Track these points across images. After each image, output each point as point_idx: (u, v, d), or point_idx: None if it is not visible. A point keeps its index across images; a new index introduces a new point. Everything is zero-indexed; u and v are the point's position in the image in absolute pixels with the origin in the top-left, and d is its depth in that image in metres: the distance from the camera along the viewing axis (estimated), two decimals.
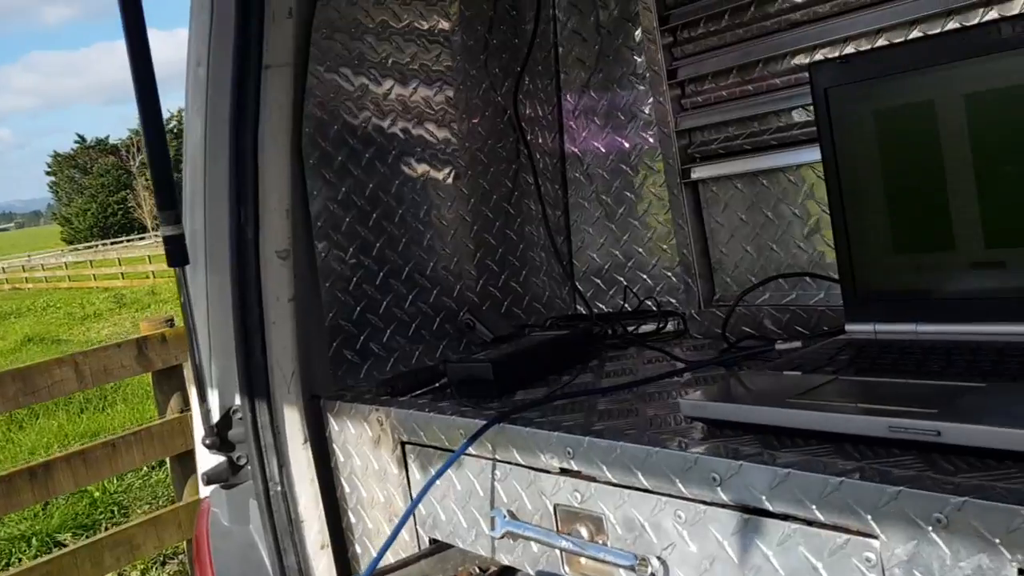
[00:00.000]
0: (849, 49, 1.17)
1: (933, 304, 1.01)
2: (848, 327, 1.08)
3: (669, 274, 1.49)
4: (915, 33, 1.10)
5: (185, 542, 2.97)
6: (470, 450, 1.00)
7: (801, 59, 1.24)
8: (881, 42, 1.14)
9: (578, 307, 1.62)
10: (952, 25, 1.05)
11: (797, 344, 1.15)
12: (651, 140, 1.48)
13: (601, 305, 1.59)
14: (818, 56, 1.21)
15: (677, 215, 1.42)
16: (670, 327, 1.44)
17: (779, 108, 1.29)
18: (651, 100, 1.43)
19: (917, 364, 0.91)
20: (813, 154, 1.20)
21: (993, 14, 1.02)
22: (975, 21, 1.03)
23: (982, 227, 0.95)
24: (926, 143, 0.97)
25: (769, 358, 1.14)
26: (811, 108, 1.23)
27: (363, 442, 1.20)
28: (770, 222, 1.33)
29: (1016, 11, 0.99)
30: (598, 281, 1.60)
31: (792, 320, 1.28)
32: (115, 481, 4.35)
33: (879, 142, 1.01)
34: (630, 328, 1.45)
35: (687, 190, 1.42)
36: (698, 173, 1.41)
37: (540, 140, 1.60)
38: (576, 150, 1.61)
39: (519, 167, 1.57)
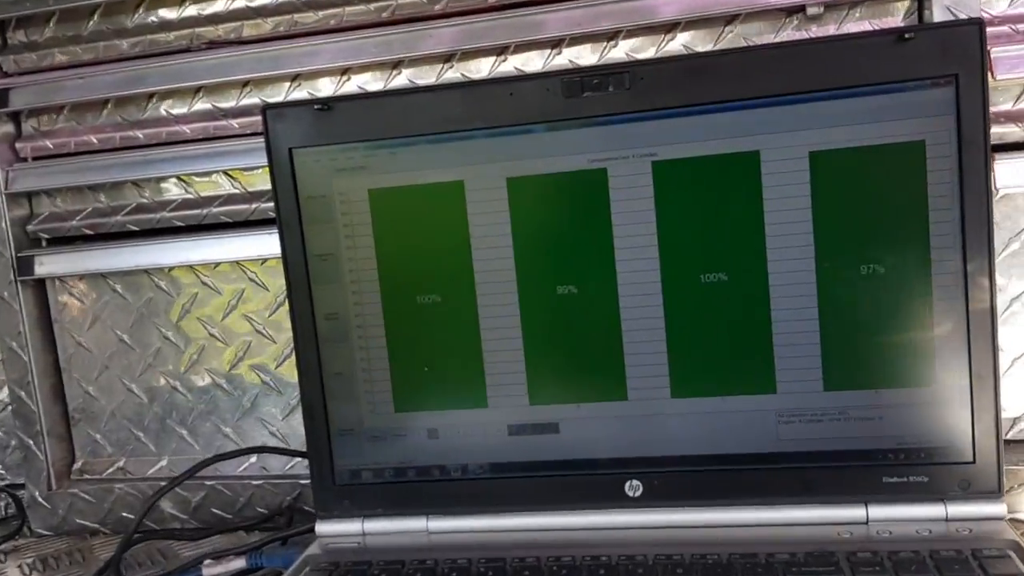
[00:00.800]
0: (332, 87, 0.79)
1: (457, 489, 0.67)
2: (320, 528, 0.68)
3: None
4: (446, 75, 0.78)
5: None
6: None
7: (217, 101, 0.82)
8: (385, 82, 0.79)
9: None
10: (496, 68, 0.75)
11: (232, 567, 0.70)
12: None
13: None
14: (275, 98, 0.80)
15: (8, 331, 0.86)
16: None
17: (150, 175, 0.83)
18: None
19: None
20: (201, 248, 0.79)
21: (561, 60, 0.75)
22: (531, 67, 0.75)
23: (528, 373, 0.64)
24: (445, 244, 0.64)
25: None
26: (191, 179, 0.82)
27: None
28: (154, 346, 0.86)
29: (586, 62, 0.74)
30: None
31: (257, 498, 0.83)
32: None
33: (378, 239, 0.64)
34: None
35: (27, 292, 0.87)
36: (46, 266, 0.86)
37: None
38: None
39: None
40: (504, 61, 0.73)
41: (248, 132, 0.80)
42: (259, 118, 0.66)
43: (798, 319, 0.59)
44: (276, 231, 0.65)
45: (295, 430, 0.83)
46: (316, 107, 0.63)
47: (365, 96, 0.64)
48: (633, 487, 0.63)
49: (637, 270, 0.61)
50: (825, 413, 0.60)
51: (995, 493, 0.58)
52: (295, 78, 0.77)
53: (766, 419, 0.61)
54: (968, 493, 0.59)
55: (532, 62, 0.73)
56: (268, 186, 0.66)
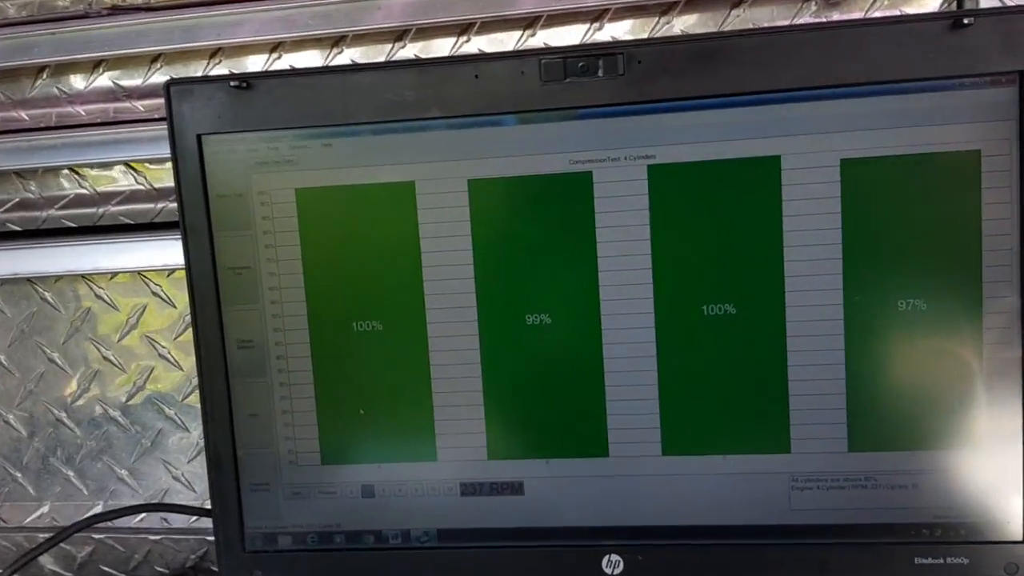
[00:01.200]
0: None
1: (396, 561, 0.55)
2: None
3: None
4: (397, 55, 0.65)
5: None
6: None
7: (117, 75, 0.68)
8: (308, 58, 0.66)
9: None
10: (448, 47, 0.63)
11: None
12: None
13: None
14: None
15: None
16: None
17: (36, 164, 0.69)
18: None
19: None
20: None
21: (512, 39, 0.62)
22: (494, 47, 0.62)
23: (487, 420, 0.53)
24: (390, 260, 0.52)
25: None
26: (85, 171, 0.69)
27: None
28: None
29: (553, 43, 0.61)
30: None
31: (155, 555, 0.69)
32: None
33: (306, 251, 0.52)
34: None
35: None
36: None
37: None
38: None
39: None
40: (467, 42, 0.61)
41: (156, 117, 0.67)
42: None
43: (820, 363, 0.49)
44: None
45: (205, 474, 0.70)
46: (233, 84, 0.50)
47: (295, 73, 0.52)
48: (612, 563, 0.52)
49: (625, 298, 0.49)
50: (848, 479, 0.49)
51: None
52: (215, 53, 0.65)
53: (777, 484, 0.50)
54: None
55: (501, 45, 0.61)
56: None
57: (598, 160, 0.49)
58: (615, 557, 0.51)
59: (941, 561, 0.49)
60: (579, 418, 0.51)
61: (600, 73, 0.47)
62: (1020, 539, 0.48)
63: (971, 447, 0.48)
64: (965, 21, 0.44)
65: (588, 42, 0.60)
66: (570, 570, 0.52)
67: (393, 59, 0.62)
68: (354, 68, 0.51)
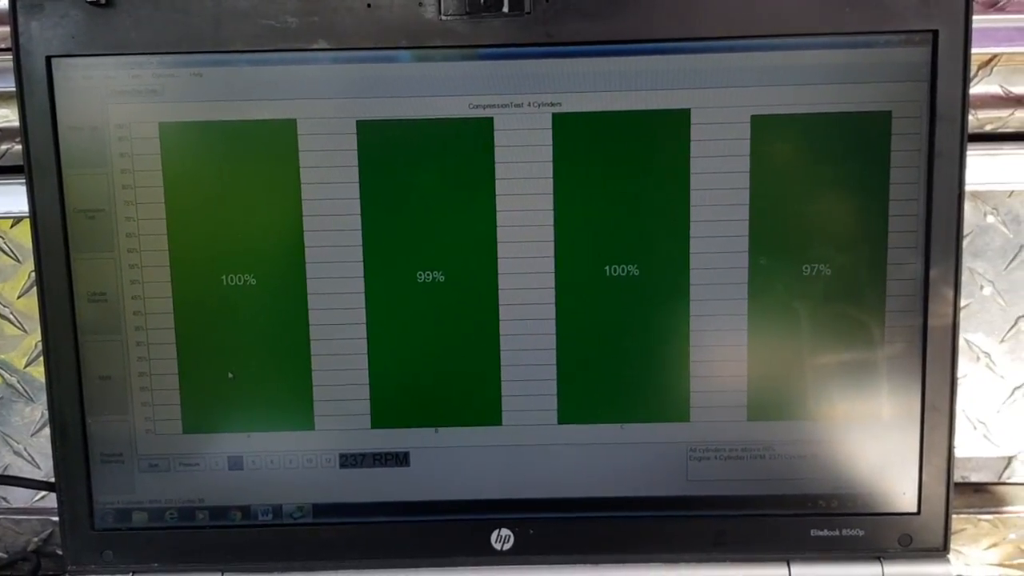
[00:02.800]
0: None
1: (267, 538, 0.50)
2: None
3: None
4: None
5: None
6: None
7: None
8: None
9: None
10: None
11: None
12: None
13: None
14: None
15: None
16: None
17: None
18: None
19: None
20: None
21: None
22: None
23: (371, 385, 0.48)
24: (266, 207, 0.47)
25: None
26: None
27: None
28: None
29: None
30: None
31: None
32: None
33: (170, 193, 0.46)
34: None
35: None
36: None
37: None
38: None
39: None
40: None
41: (4, 47, 0.59)
42: None
43: (722, 328, 0.47)
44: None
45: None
46: (90, 1, 0.44)
47: None
48: (502, 537, 0.48)
49: (524, 256, 0.46)
50: (746, 449, 0.48)
51: (940, 550, 0.48)
52: None
53: (675, 454, 0.48)
54: (909, 550, 0.48)
55: None
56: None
57: (500, 105, 0.45)
58: (505, 531, 0.48)
59: (837, 533, 0.48)
60: (471, 384, 0.47)
61: (505, 8, 0.44)
62: (915, 511, 0.48)
63: (870, 418, 0.47)
64: None
65: None
66: (457, 546, 0.49)
67: None
68: None
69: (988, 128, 0.56)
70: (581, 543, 0.48)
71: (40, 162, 0.46)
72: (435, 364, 0.47)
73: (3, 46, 0.59)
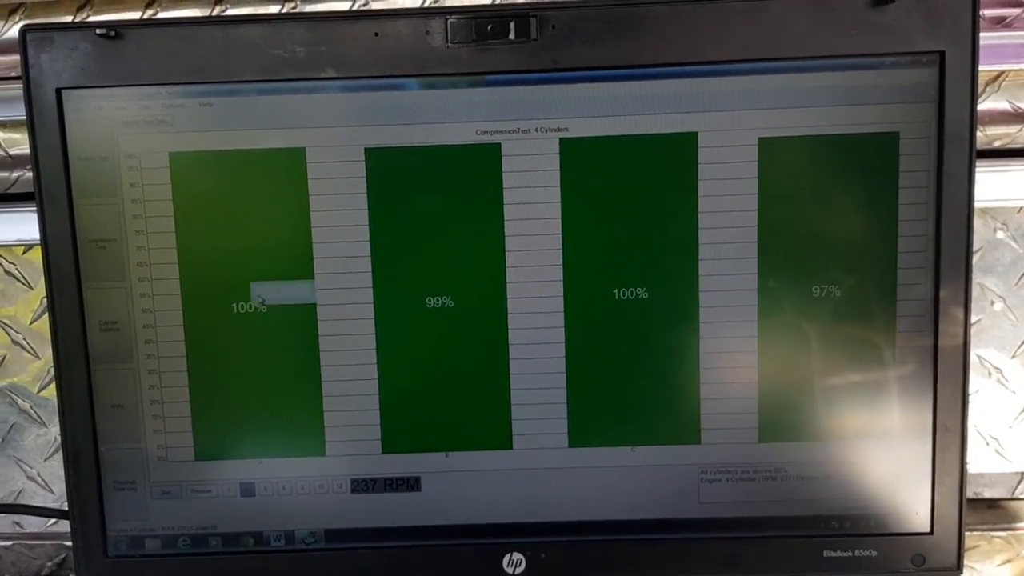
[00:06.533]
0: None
1: (279, 565, 0.50)
2: None
3: None
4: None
5: None
6: None
7: None
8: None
9: None
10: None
11: None
12: None
13: None
14: None
15: None
16: None
17: None
18: None
19: None
20: None
21: None
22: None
23: (382, 410, 0.48)
24: (275, 234, 0.47)
25: None
26: None
27: None
28: None
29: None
30: None
31: (7, 563, 0.62)
32: None
33: (180, 222, 0.46)
34: None
35: None
36: None
37: None
38: None
39: None
40: (364, 5, 0.57)
41: (13, 75, 0.59)
42: None
43: (731, 350, 0.47)
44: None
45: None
46: (99, 33, 0.45)
47: (171, 23, 0.46)
48: (514, 562, 0.48)
49: (533, 280, 0.46)
50: (757, 470, 0.48)
51: (954, 570, 0.48)
52: (85, 3, 0.58)
53: (686, 476, 0.48)
54: (922, 570, 0.48)
55: (403, 1, 0.57)
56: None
57: (507, 131, 0.45)
58: (517, 556, 0.48)
59: (850, 554, 0.48)
60: (481, 408, 0.47)
61: (512, 36, 0.44)
62: (928, 530, 0.48)
63: (882, 438, 0.47)
64: None
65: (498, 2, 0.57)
66: (469, 570, 0.49)
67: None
68: (239, 20, 0.46)
69: (997, 144, 0.56)
70: (593, 566, 0.48)
71: (51, 192, 0.46)
72: (445, 389, 0.47)
73: (12, 75, 0.60)
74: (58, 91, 0.45)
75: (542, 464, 0.48)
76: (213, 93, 0.45)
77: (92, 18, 0.58)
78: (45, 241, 0.46)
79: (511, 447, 0.48)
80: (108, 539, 0.49)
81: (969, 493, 0.61)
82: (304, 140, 0.46)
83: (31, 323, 0.62)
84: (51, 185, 0.46)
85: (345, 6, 0.57)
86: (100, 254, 0.47)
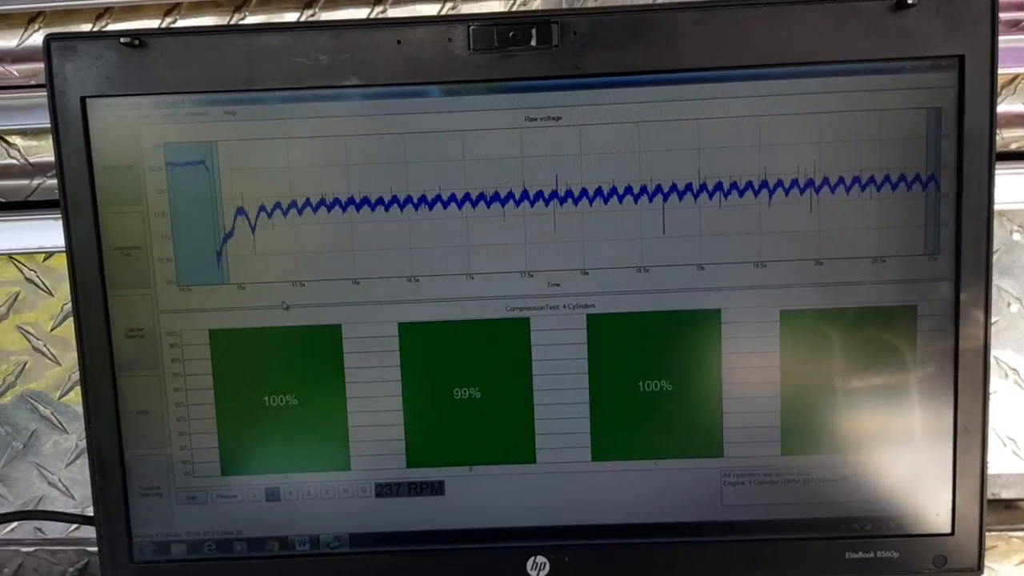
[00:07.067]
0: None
1: (304, 569, 0.50)
2: None
3: None
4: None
5: None
6: None
7: None
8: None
9: None
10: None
11: None
12: None
13: None
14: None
15: None
16: None
17: None
18: None
19: None
20: None
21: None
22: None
23: (406, 425, 0.49)
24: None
25: None
26: None
27: None
28: None
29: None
30: None
31: (29, 569, 0.62)
32: None
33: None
34: None
35: None
36: None
37: None
38: None
39: None
40: (383, 12, 0.57)
41: (33, 84, 0.60)
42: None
43: (749, 366, 0.47)
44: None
45: (86, 480, 0.63)
46: (123, 42, 0.45)
47: (194, 31, 0.47)
48: (538, 565, 0.49)
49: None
50: (780, 474, 0.48)
51: (974, 571, 0.48)
52: (103, 12, 0.58)
53: (709, 480, 0.48)
54: (943, 571, 0.48)
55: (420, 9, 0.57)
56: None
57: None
58: (541, 559, 0.49)
59: (872, 555, 0.48)
60: (505, 426, 0.48)
61: (533, 43, 0.44)
62: (949, 531, 0.48)
63: (903, 441, 0.47)
64: (909, 1, 0.43)
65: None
66: (493, 574, 0.49)
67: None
68: (262, 28, 0.46)
69: (1013, 147, 0.56)
70: (616, 569, 0.49)
71: (76, 201, 0.46)
72: (469, 406, 0.48)
73: (32, 83, 0.60)
74: (82, 100, 0.46)
75: (566, 472, 0.48)
76: (236, 101, 0.46)
77: (111, 27, 0.59)
78: (70, 249, 0.47)
79: (535, 461, 0.48)
80: (134, 545, 0.49)
81: (987, 494, 0.62)
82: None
83: (52, 330, 0.62)
84: (76, 193, 0.46)
85: (363, 14, 0.57)
86: (125, 261, 0.47)
